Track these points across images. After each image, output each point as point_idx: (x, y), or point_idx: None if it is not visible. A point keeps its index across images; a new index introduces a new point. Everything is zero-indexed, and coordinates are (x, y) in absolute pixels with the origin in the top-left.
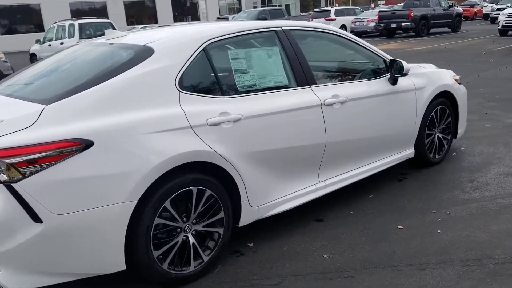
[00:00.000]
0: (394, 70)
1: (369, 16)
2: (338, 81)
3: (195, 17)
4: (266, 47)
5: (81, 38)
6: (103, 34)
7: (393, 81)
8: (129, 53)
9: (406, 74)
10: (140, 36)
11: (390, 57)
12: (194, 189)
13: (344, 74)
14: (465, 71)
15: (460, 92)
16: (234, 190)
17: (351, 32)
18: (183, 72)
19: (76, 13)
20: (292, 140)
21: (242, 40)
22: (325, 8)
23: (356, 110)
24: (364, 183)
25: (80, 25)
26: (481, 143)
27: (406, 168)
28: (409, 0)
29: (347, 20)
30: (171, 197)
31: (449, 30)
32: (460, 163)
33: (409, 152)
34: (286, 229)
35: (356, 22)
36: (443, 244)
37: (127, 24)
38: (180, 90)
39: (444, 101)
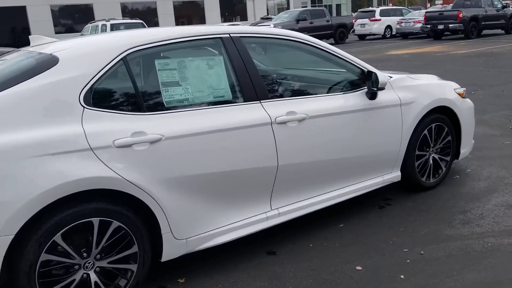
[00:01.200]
0: (372, 83)
1: (416, 17)
2: (299, 96)
3: (244, 17)
4: (207, 56)
5: None
6: None
7: (371, 95)
8: (31, 63)
9: (382, 88)
10: (64, 44)
11: (369, 68)
12: (95, 221)
13: (309, 87)
14: (504, 77)
15: (464, 107)
16: (154, 220)
17: (397, 33)
18: (93, 85)
19: (127, 13)
20: (233, 163)
21: (176, 49)
22: (370, 9)
23: (320, 128)
24: (338, 209)
25: (112, 25)
26: (493, 164)
27: (394, 192)
28: (459, 0)
29: (392, 20)
30: (63, 230)
31: (503, 32)
32: (459, 189)
33: (394, 175)
34: (229, 263)
35: (401, 22)
36: None
37: (176, 24)
38: (85, 105)
39: (441, 118)
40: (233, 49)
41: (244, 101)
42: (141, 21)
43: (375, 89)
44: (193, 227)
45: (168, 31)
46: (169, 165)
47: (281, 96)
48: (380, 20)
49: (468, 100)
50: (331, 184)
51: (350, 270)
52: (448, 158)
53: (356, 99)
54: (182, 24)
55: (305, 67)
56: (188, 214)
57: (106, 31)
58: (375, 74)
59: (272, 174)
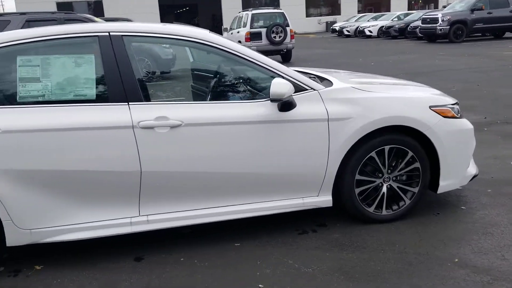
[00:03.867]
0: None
1: None
2: (182, 100)
3: (436, 5)
4: (78, 54)
5: (251, 27)
6: (276, 24)
7: (282, 106)
8: None
9: (278, 100)
10: None
11: (292, 75)
12: None
13: (198, 92)
14: None
15: (445, 129)
16: None
17: None
18: None
19: (314, 3)
20: (86, 163)
21: (43, 47)
22: None
23: (201, 138)
24: (253, 225)
25: (252, 15)
26: (504, 205)
27: (336, 218)
28: None
29: None
30: None
31: None
32: (420, 230)
33: (321, 199)
34: (88, 260)
35: None
36: None
37: (359, 12)
38: None
39: (400, 140)
40: (108, 48)
41: (109, 102)
42: (282, 10)
43: (274, 100)
44: (38, 219)
45: (39, 30)
46: (7, 157)
47: (159, 99)
48: None
49: (459, 120)
50: (222, 198)
51: None
52: (415, 189)
53: (260, 109)
54: (370, 11)
55: (204, 71)
56: (31, 207)
57: (247, 19)
58: (272, 82)
59: (135, 180)
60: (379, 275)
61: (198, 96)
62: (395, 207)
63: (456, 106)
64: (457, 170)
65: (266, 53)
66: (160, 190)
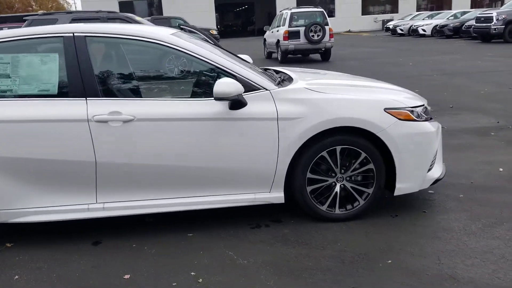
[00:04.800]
0: None
1: None
2: (137, 97)
3: (503, 3)
4: (44, 53)
5: (290, 26)
6: (314, 23)
7: (231, 105)
8: None
9: (222, 99)
10: None
11: (245, 75)
12: None
13: (153, 90)
14: None
15: (401, 132)
16: None
17: None
18: None
19: (302, 3)
20: (45, 152)
21: (14, 46)
22: None
23: (152, 132)
24: (213, 217)
25: (292, 14)
26: (467, 211)
27: (293, 215)
28: None
29: None
30: None
31: None
32: (372, 229)
33: (273, 196)
34: (52, 242)
35: None
36: None
37: (419, 9)
38: None
39: (353, 140)
40: (71, 48)
41: (69, 97)
42: (321, 9)
43: (216, 98)
44: (5, 201)
45: (12, 31)
46: None
47: (115, 95)
48: None
49: (418, 123)
50: (173, 190)
51: (118, 277)
52: (370, 190)
53: (211, 106)
54: (432, 9)
55: (162, 69)
56: None
57: (286, 18)
58: (216, 82)
59: (91, 169)
60: (306, 271)
61: (153, 93)
62: (349, 206)
63: (417, 109)
64: (415, 173)
65: (304, 51)
66: (114, 180)
